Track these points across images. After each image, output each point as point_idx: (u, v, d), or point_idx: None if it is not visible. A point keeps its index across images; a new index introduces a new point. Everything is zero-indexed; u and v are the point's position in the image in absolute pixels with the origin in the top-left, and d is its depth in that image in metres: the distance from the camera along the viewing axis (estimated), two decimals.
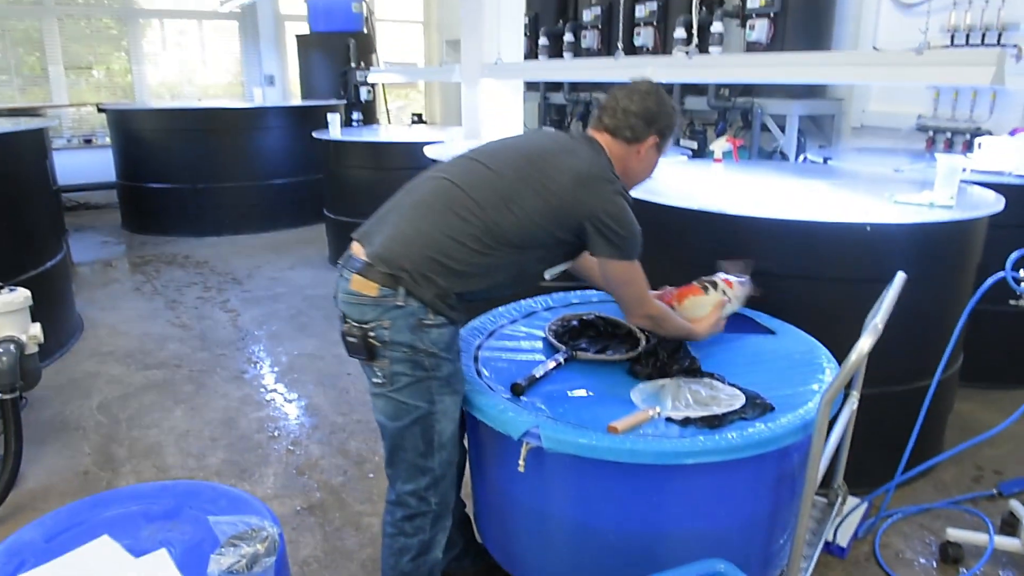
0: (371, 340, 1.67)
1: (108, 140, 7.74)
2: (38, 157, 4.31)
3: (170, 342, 4.31)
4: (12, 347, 2.61)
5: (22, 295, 2.71)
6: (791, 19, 5.13)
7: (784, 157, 5.36)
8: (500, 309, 2.31)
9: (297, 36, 8.80)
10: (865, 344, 1.59)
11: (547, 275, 1.90)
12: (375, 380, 1.72)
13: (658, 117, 1.86)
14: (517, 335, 2.16)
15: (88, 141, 8.61)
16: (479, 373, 1.88)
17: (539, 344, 2.10)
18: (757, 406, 1.72)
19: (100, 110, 7.69)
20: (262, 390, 3.66)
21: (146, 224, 7.32)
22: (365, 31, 8.73)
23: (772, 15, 5.12)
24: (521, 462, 1.58)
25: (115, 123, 7.38)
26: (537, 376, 1.83)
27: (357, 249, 1.75)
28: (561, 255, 1.86)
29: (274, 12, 9.52)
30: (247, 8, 9.35)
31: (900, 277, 2.06)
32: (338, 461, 2.96)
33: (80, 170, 8.11)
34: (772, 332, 2.21)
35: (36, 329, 2.73)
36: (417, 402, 1.70)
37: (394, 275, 1.65)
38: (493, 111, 5.12)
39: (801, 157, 5.09)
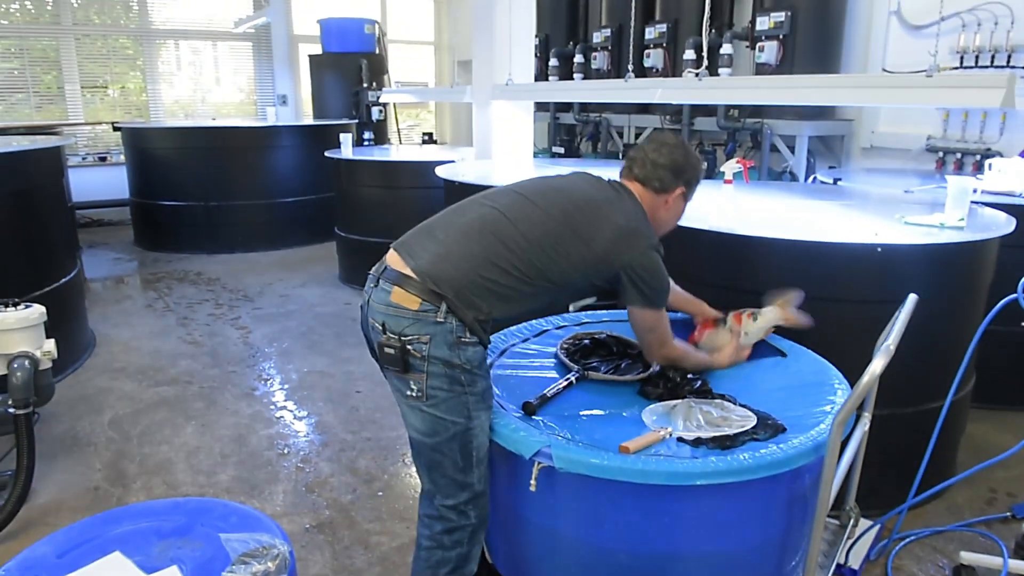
0: (409, 353, 1.69)
1: (122, 158, 7.83)
2: (54, 175, 4.37)
3: (181, 359, 4.33)
4: (27, 363, 2.63)
5: (37, 311, 2.74)
6: (800, 41, 5.17)
7: (794, 178, 5.37)
8: (512, 328, 2.32)
9: (310, 56, 8.91)
10: (877, 366, 1.59)
11: (572, 308, 1.96)
12: (408, 393, 1.73)
13: (685, 169, 1.98)
14: (529, 353, 2.16)
15: (103, 159, 8.72)
16: None
17: (551, 363, 2.11)
18: (769, 427, 1.72)
19: (115, 128, 7.80)
20: (272, 407, 3.67)
21: (159, 241, 7.38)
22: (377, 52, 8.84)
23: (781, 37, 5.16)
24: (532, 481, 1.58)
25: (130, 141, 7.47)
26: (549, 395, 1.84)
27: (396, 261, 1.77)
28: (591, 293, 2.02)
29: (287, 33, 9.65)
30: (261, 29, 9.48)
31: (912, 299, 2.05)
32: (347, 479, 2.96)
33: (94, 187, 8.22)
34: (783, 354, 2.21)
35: (50, 345, 2.75)
36: (455, 417, 1.71)
37: (439, 293, 1.68)
38: (504, 131, 5.17)
39: (811, 178, 5.11)
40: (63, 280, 4.14)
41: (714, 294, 2.51)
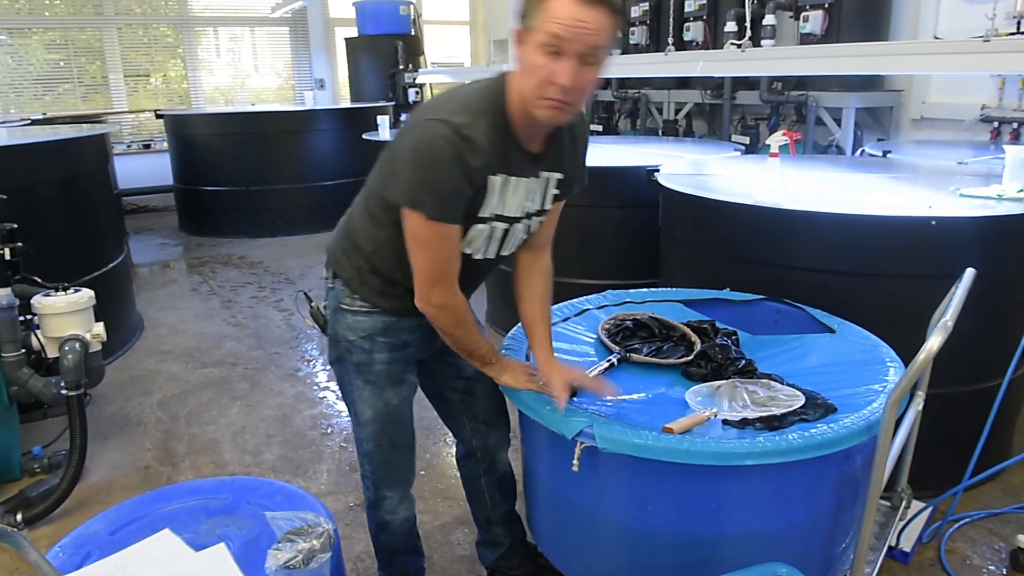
0: (322, 316, 1.91)
1: (166, 145, 7.97)
2: (100, 162, 4.46)
3: (226, 341, 4.41)
4: (77, 345, 2.70)
5: (86, 295, 2.80)
6: (847, 9, 4.99)
7: (840, 151, 5.21)
8: (552, 308, 2.29)
9: (346, 39, 8.93)
10: (935, 343, 1.53)
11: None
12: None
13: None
14: (569, 333, 2.14)
15: (147, 146, 8.89)
16: (535, 351, 1.87)
17: (591, 343, 2.08)
18: (818, 407, 1.67)
19: (158, 116, 7.93)
20: (315, 388, 3.72)
21: (202, 226, 7.52)
22: (413, 33, 8.81)
23: (827, 6, 4.99)
24: (575, 462, 1.56)
25: (172, 128, 7.59)
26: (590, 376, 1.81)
27: None
28: None
29: (323, 17, 9.67)
30: (297, 13, 9.52)
31: (970, 274, 1.97)
32: None
33: (139, 174, 8.39)
34: (832, 330, 2.14)
35: (99, 328, 2.82)
36: (340, 376, 1.86)
37: (328, 257, 1.81)
38: None
39: (859, 151, 4.95)
40: (111, 265, 4.23)
41: (759, 271, 2.46)
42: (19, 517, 2.57)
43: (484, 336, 1.79)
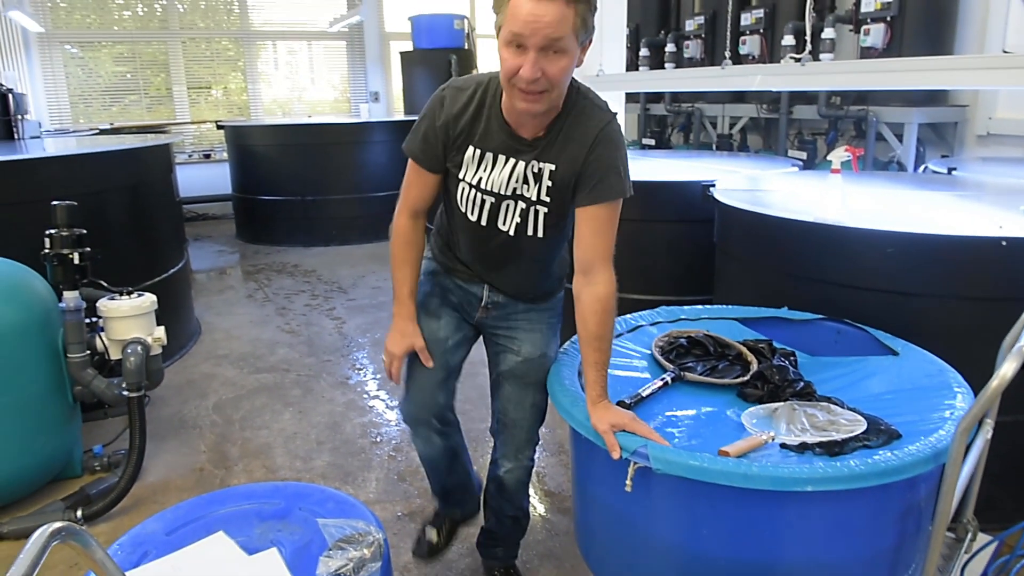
0: None
1: (225, 155, 8.20)
2: (164, 171, 4.60)
3: (280, 347, 4.49)
4: (139, 348, 2.78)
5: (149, 299, 2.88)
6: (909, 23, 4.87)
7: (901, 167, 5.07)
8: None
9: (401, 53, 9.06)
10: (1009, 369, 1.47)
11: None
12: None
13: None
14: (622, 350, 2.12)
15: (207, 156, 9.16)
16: (584, 388, 1.86)
17: (645, 361, 2.05)
18: (881, 432, 1.62)
19: (219, 127, 8.17)
20: (365, 396, 3.76)
21: (258, 234, 7.70)
22: (466, 47, 8.90)
23: (889, 19, 4.88)
24: (628, 482, 1.54)
25: (232, 139, 7.81)
26: (644, 395, 1.79)
27: None
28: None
29: (379, 31, 9.85)
30: (354, 27, 9.72)
31: None
32: None
33: (199, 183, 8.63)
34: (895, 352, 2.08)
35: (160, 332, 2.89)
36: None
37: None
38: None
39: (922, 167, 4.81)
40: (172, 270, 4.36)
41: (818, 290, 2.40)
42: (79, 513, 2.65)
43: (408, 286, 1.98)
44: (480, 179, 1.80)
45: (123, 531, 2.02)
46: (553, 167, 1.74)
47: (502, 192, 1.80)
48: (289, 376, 4.03)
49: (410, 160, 1.86)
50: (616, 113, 1.78)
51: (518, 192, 1.79)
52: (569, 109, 1.73)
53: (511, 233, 1.84)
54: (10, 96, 5.56)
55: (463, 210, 1.86)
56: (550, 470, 2.96)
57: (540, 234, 1.83)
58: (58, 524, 0.96)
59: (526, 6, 1.50)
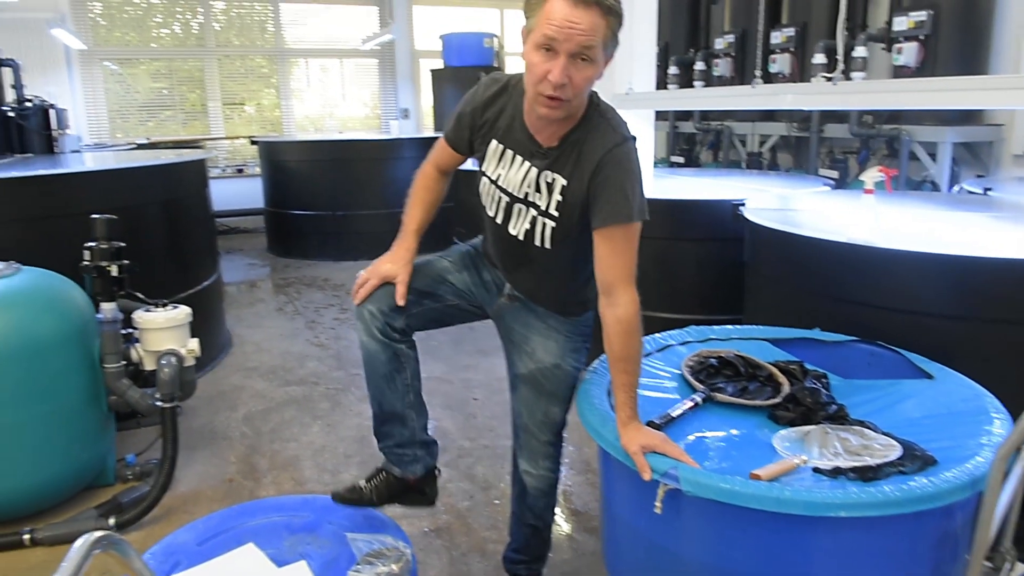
0: None
1: (258, 170, 8.34)
2: (199, 186, 4.70)
3: (309, 360, 4.54)
4: (174, 359, 2.83)
5: (184, 312, 2.93)
6: (943, 41, 4.82)
7: (935, 187, 5.01)
8: None
9: (432, 71, 9.18)
10: None
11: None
12: None
13: None
14: (651, 370, 2.11)
15: (240, 170, 9.32)
16: (613, 408, 1.85)
17: (674, 381, 2.04)
18: (917, 458, 1.59)
19: (252, 142, 8.32)
20: None
21: (289, 248, 7.80)
22: (495, 65, 8.98)
23: (922, 38, 4.83)
24: (658, 503, 1.53)
25: (265, 154, 7.94)
26: (673, 415, 1.78)
27: None
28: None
29: (410, 49, 9.98)
30: (385, 46, 9.86)
31: None
32: (465, 486, 2.99)
33: (232, 197, 8.78)
34: (930, 376, 2.04)
35: (194, 344, 2.94)
36: None
37: None
38: None
39: (956, 187, 4.75)
40: (205, 283, 4.43)
41: (851, 311, 2.37)
42: (112, 521, 2.69)
43: (416, 223, 2.06)
44: (499, 175, 1.85)
45: (154, 539, 2.05)
46: (565, 182, 1.76)
47: (515, 193, 1.84)
48: (318, 389, 4.07)
49: (443, 140, 1.98)
50: (634, 136, 1.77)
51: (529, 198, 1.83)
52: (585, 123, 1.75)
53: (520, 238, 1.88)
54: (52, 111, 5.73)
55: (484, 203, 1.94)
56: (576, 489, 2.95)
57: (547, 245, 1.85)
58: (100, 533, 0.98)
59: (563, 10, 1.54)
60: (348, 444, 3.39)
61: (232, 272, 7.07)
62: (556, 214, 1.80)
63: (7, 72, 5.58)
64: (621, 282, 1.72)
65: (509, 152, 1.83)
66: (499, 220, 1.90)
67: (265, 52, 9.69)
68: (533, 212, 1.83)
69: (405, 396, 2.01)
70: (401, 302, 1.91)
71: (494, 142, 1.85)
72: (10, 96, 5.62)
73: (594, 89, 1.73)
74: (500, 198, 1.88)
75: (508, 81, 1.84)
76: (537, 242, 1.86)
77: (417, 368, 2.03)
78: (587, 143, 1.73)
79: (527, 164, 1.80)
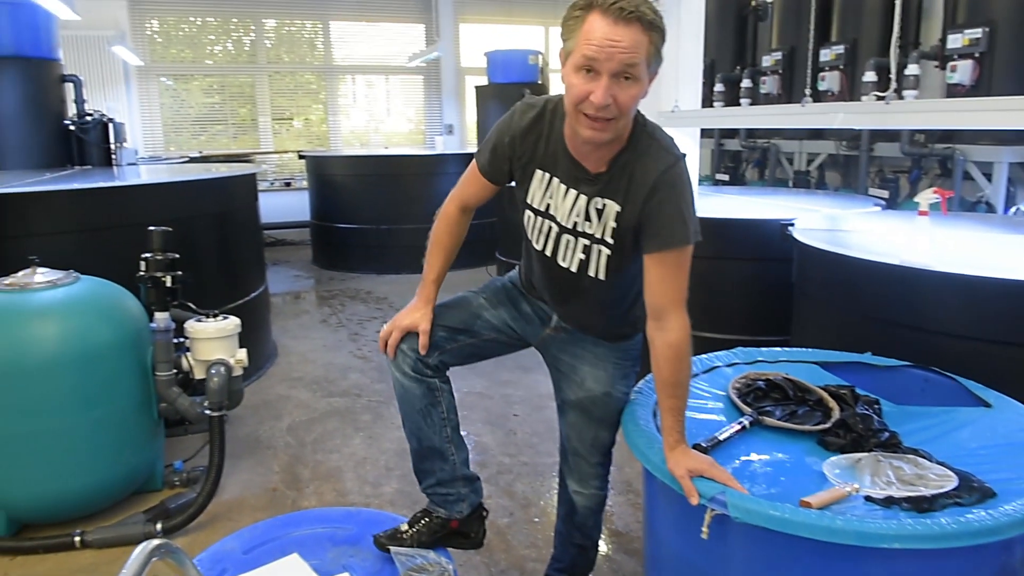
0: None
1: (305, 183, 8.50)
2: (249, 199, 4.81)
3: (352, 372, 4.59)
4: (223, 369, 2.88)
5: (233, 322, 3.00)
6: (999, 60, 4.70)
7: (991, 209, 4.87)
8: None
9: (476, 87, 9.26)
10: None
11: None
12: None
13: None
14: (697, 391, 2.08)
15: (288, 184, 9.52)
16: (659, 429, 1.83)
17: (720, 403, 2.02)
18: (974, 490, 1.54)
19: (300, 156, 8.49)
20: None
21: (334, 261, 7.92)
22: (539, 82, 9.03)
23: (977, 55, 4.72)
24: (705, 528, 1.51)
25: (312, 168, 8.10)
26: (721, 439, 1.75)
27: None
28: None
29: (455, 66, 10.10)
30: (431, 63, 10.00)
31: None
32: (504, 502, 2.99)
33: (279, 210, 8.97)
34: (987, 404, 1.98)
35: (243, 354, 3.00)
36: None
37: None
38: None
39: (1012, 209, 4.61)
40: (253, 295, 4.53)
41: (903, 336, 2.32)
42: (159, 526, 2.74)
43: (435, 272, 2.00)
44: (548, 205, 1.79)
45: (199, 545, 2.09)
46: (619, 208, 1.70)
47: (564, 224, 1.78)
48: (360, 401, 4.11)
49: (474, 164, 1.89)
50: (685, 154, 1.71)
51: (579, 228, 1.76)
52: (634, 145, 1.68)
53: (573, 270, 1.82)
54: (111, 125, 5.93)
55: (531, 237, 1.88)
56: (617, 509, 2.92)
57: (602, 276, 1.79)
58: (158, 541, 1.01)
59: (602, 29, 1.48)
60: (389, 457, 3.41)
61: (278, 283, 7.20)
62: (611, 241, 1.74)
63: (69, 87, 5.79)
64: (672, 306, 1.68)
65: (556, 180, 1.76)
66: (548, 252, 1.84)
67: (314, 69, 9.91)
68: (584, 241, 1.77)
69: (443, 430, 1.96)
70: (423, 352, 1.90)
71: (539, 172, 1.78)
72: (72, 110, 5.84)
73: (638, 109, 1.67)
74: (550, 228, 1.81)
75: (545, 106, 1.76)
76: (592, 272, 1.80)
77: (453, 402, 2.00)
78: (638, 165, 1.67)
79: (574, 192, 1.74)
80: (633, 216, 1.69)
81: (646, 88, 1.58)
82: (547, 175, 1.77)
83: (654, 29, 1.52)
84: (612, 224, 1.72)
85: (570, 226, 1.77)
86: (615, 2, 1.47)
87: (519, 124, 1.77)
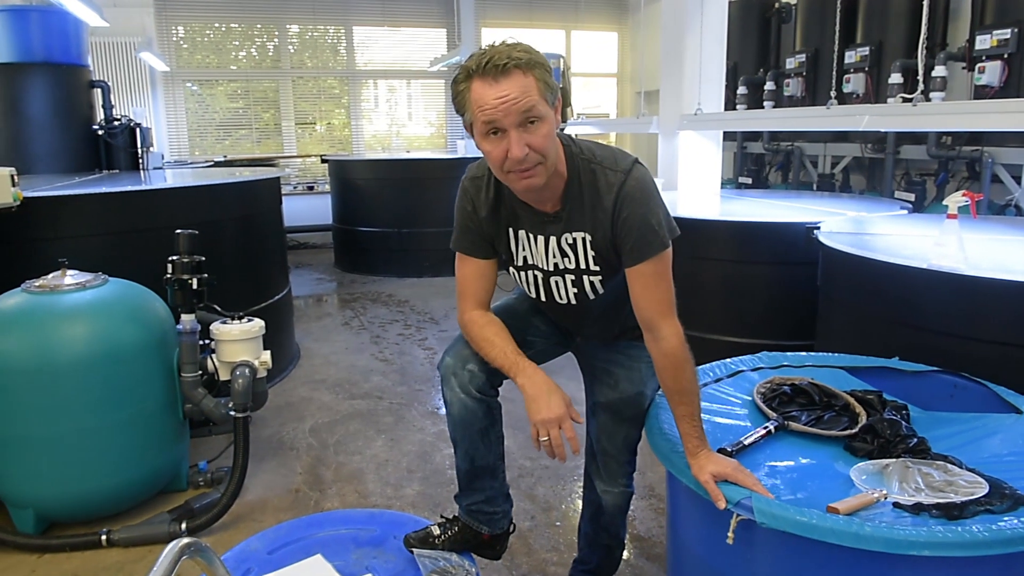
0: None
1: (328, 187, 8.57)
2: (273, 203, 4.85)
3: (373, 375, 4.61)
4: (247, 371, 2.91)
5: (258, 324, 3.02)
6: None
7: (1019, 212, 4.79)
8: (703, 367, 2.23)
9: None
10: None
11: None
12: None
13: None
14: (720, 395, 2.07)
15: (310, 188, 9.60)
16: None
17: (745, 408, 2.00)
18: (1006, 497, 1.51)
19: (323, 160, 8.56)
20: None
21: (356, 264, 7.97)
22: (561, 85, 9.02)
23: (1006, 56, 4.66)
24: (730, 534, 1.50)
25: (335, 172, 8.16)
26: (746, 443, 1.74)
27: None
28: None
29: None
30: (453, 67, 10.03)
31: None
32: (525, 505, 2.98)
33: (302, 213, 9.05)
34: (1019, 411, 1.94)
35: (267, 356, 3.02)
36: None
37: None
38: (691, 162, 5.07)
39: None
40: (276, 297, 4.56)
41: (931, 341, 2.29)
42: (184, 526, 2.77)
43: (511, 345, 1.80)
44: (525, 258, 1.83)
45: (222, 545, 2.11)
46: (590, 236, 1.72)
47: (546, 268, 1.81)
48: (382, 403, 4.13)
49: (459, 256, 1.87)
50: (634, 161, 1.69)
51: (560, 267, 1.79)
52: (577, 175, 1.69)
53: (574, 303, 1.85)
54: (138, 130, 6.02)
55: (526, 291, 1.93)
56: (639, 513, 2.91)
57: (601, 291, 1.82)
58: (187, 540, 1.02)
59: (488, 92, 1.52)
60: (411, 459, 3.42)
61: (300, 286, 7.26)
62: (597, 268, 1.77)
63: (97, 93, 5.89)
64: (660, 315, 1.68)
65: (523, 233, 1.80)
66: (543, 298, 1.88)
67: (337, 74, 9.99)
68: (571, 277, 1.80)
69: (498, 447, 1.95)
70: (580, 419, 1.79)
71: (509, 230, 1.82)
72: (100, 116, 5.94)
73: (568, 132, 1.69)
74: (535, 277, 1.85)
75: (488, 172, 1.77)
76: (591, 296, 1.82)
77: (502, 430, 1.99)
78: (589, 193, 1.69)
79: (542, 237, 1.77)
80: (606, 239, 1.71)
81: (555, 119, 1.60)
82: (515, 231, 1.81)
83: (533, 66, 1.53)
84: (590, 252, 1.75)
85: (551, 268, 1.81)
86: (487, 63, 1.51)
87: (476, 196, 1.80)
